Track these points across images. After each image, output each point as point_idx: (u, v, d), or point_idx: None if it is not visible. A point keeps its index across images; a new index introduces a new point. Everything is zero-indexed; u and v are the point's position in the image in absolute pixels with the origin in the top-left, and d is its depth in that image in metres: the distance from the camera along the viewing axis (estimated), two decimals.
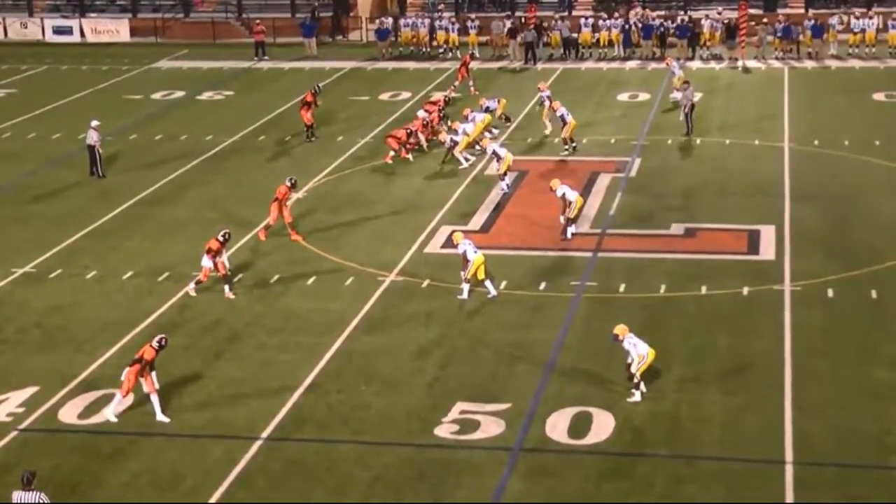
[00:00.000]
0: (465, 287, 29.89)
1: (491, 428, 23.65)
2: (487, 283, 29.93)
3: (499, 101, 45.93)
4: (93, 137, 41.36)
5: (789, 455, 22.37)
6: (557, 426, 23.62)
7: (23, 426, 24.43)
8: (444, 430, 23.64)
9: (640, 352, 24.53)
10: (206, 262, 30.48)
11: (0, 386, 26.12)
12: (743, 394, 24.70)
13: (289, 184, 34.39)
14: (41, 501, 19.39)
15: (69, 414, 24.88)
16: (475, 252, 29.88)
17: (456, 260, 31.39)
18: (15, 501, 19.43)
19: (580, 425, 23.63)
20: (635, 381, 24.53)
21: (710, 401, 24.48)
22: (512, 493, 21.43)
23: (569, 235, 33.69)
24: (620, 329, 24.83)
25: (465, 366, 26.48)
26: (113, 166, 42.65)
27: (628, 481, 21.68)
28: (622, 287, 30.47)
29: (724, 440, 22.99)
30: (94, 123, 41.80)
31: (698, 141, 43.73)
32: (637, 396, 24.47)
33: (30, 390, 25.87)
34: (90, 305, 30.49)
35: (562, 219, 33.82)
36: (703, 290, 30.17)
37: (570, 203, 33.60)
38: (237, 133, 46.89)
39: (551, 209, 34.54)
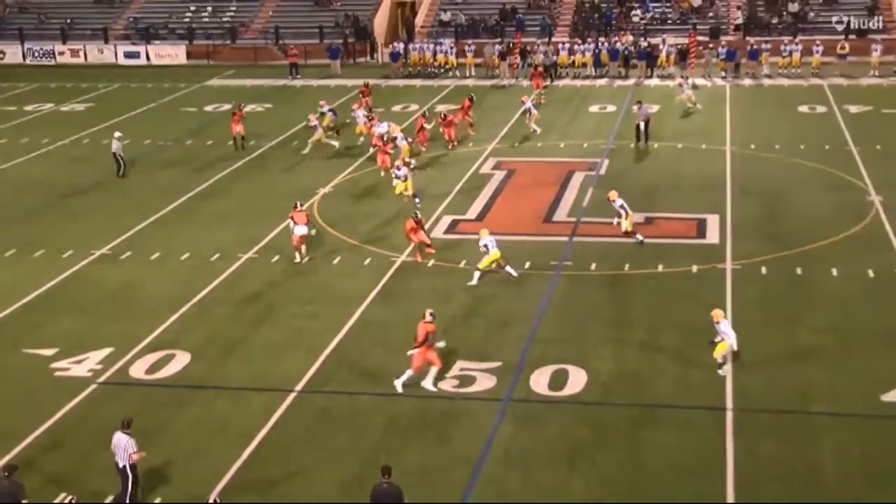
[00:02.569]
0: (476, 275, 29.52)
1: (485, 382, 23.65)
2: (508, 268, 29.43)
3: (390, 126, 42.93)
4: (115, 146, 41.47)
5: (730, 403, 22.37)
6: (540, 381, 23.61)
7: (101, 380, 24.47)
8: (447, 385, 23.63)
9: (721, 336, 23.47)
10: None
11: (81, 347, 26.15)
12: (692, 353, 24.67)
13: (413, 216, 31.55)
14: (130, 446, 19.21)
15: (138, 370, 24.90)
16: (495, 248, 29.50)
17: (455, 242, 31.47)
18: (114, 441, 19.24)
19: (558, 380, 23.62)
20: (718, 361, 23.52)
21: (665, 360, 24.46)
22: (503, 435, 21.45)
23: (639, 238, 32.05)
24: (716, 313, 23.71)
25: (463, 331, 26.45)
26: (172, 167, 42.57)
27: (599, 425, 21.69)
28: (593, 266, 30.42)
29: (677, 392, 22.98)
30: (117, 135, 42.07)
31: (656, 145, 43.62)
32: (724, 370, 23.44)
33: (106, 351, 25.88)
34: (154, 282, 30.44)
35: (624, 223, 31.77)
36: (660, 268, 30.13)
37: (627, 213, 31.90)
38: (275, 139, 46.75)
39: (534, 202, 34.45)
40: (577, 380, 23.58)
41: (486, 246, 29.39)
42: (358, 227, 34.46)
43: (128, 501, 19.04)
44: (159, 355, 25.61)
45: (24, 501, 17.95)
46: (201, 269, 31.23)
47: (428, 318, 23.51)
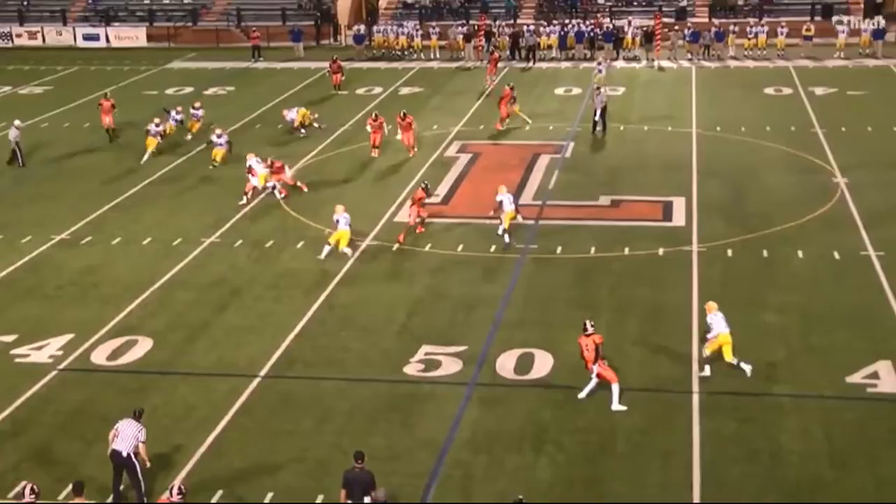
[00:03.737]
0: (505, 234, 30.75)
1: (451, 366, 23.72)
2: (506, 236, 30.62)
3: (298, 111, 44.03)
4: (13, 134, 40.54)
5: (695, 386, 22.53)
6: (505, 365, 23.70)
7: (62, 366, 24.38)
8: (412, 369, 23.69)
9: (715, 331, 22.79)
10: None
11: (42, 333, 26.05)
12: (658, 336, 24.84)
13: (423, 187, 32.21)
14: (143, 434, 19.09)
15: (100, 356, 24.83)
16: (511, 205, 30.60)
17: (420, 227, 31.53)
18: (120, 428, 18.98)
19: (524, 364, 23.72)
20: (704, 355, 22.90)
21: (631, 342, 24.60)
22: (469, 419, 21.53)
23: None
24: (709, 305, 23.30)
25: (429, 315, 26.52)
26: (134, 151, 42.28)
27: (565, 409, 21.79)
28: (559, 249, 30.54)
29: (643, 374, 23.12)
30: (17, 123, 41.14)
31: (622, 127, 43.73)
32: (706, 371, 22.77)
33: (67, 337, 25.79)
34: (115, 266, 30.32)
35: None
36: (626, 251, 30.27)
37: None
38: (238, 122, 46.56)
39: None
40: (543, 363, 23.68)
41: (501, 202, 30.63)
42: (321, 211, 34.37)
43: (144, 491, 18.85)
44: (121, 341, 25.52)
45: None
46: (164, 254, 31.12)
47: (589, 329, 21.88)
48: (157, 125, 41.39)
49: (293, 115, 43.97)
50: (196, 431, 21.32)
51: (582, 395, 22.08)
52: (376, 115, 40.63)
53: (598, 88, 44.24)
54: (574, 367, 23.27)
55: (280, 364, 24.18)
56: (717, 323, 22.91)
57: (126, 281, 29.17)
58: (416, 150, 39.90)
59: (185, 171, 39.37)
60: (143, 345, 25.26)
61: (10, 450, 20.87)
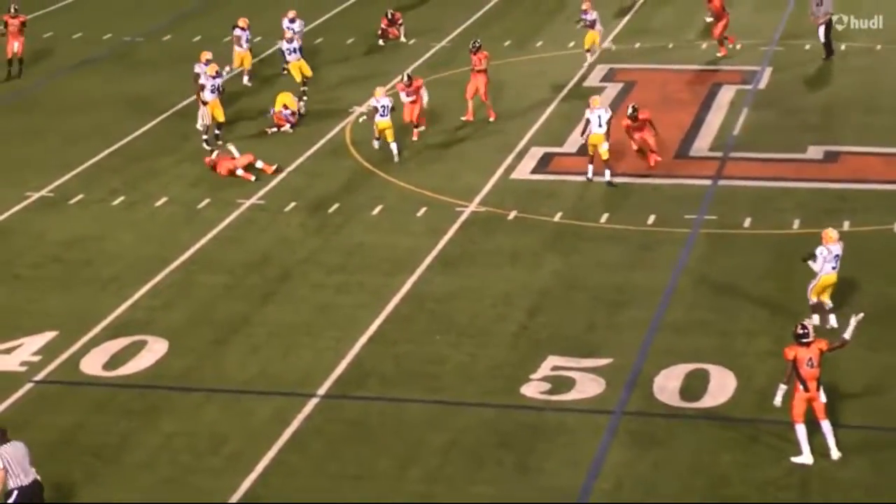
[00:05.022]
0: (590, 168, 32.21)
1: (588, 387, 23.65)
2: (607, 172, 31.95)
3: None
4: None
5: None
6: (667, 387, 23.55)
7: (39, 377, 24.70)
8: (533, 389, 23.67)
9: (818, 269, 24.88)
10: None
11: (12, 329, 26.44)
12: (892, 351, 24.53)
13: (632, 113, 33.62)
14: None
15: (93, 364, 25.12)
16: (600, 127, 31.75)
17: (546, 186, 31.48)
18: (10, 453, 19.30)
19: (694, 386, 23.54)
20: (810, 301, 25.05)
21: (851, 357, 24.22)
22: (612, 464, 21.42)
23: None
24: (826, 234, 25.13)
25: (558, 313, 26.48)
26: (143, 72, 42.81)
27: (751, 452, 21.56)
28: (747, 221, 30.29)
29: (870, 406, 22.80)
30: None
31: (843, 46, 43.14)
32: (815, 320, 24.76)
33: (47, 335, 26.16)
34: (117, 237, 30.80)
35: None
36: (846, 225, 29.90)
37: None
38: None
39: (663, 130, 34.29)
40: (721, 386, 23.46)
41: (587, 122, 32.36)
42: (409, 163, 34.48)
43: None
44: (123, 343, 25.83)
45: None
46: (184, 220, 31.52)
47: (811, 334, 21.34)
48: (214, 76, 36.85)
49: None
50: (226, 473, 21.49)
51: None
52: (409, 78, 36.77)
53: None
54: (764, 391, 23.02)
55: (347, 380, 24.32)
56: (825, 259, 24.69)
57: (130, 258, 29.58)
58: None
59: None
60: (154, 349, 25.57)
61: None
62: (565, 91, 39.73)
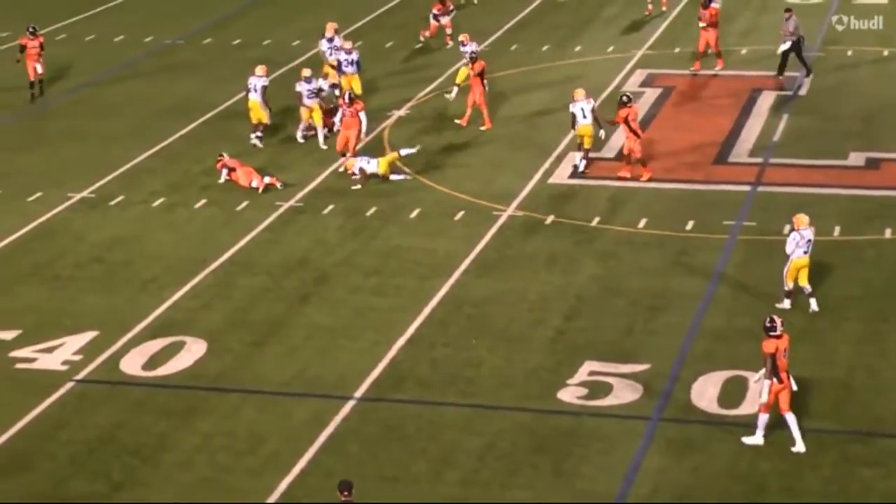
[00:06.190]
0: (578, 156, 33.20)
1: (625, 393, 23.65)
2: (581, 162, 33.11)
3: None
4: None
5: None
6: (706, 393, 23.53)
7: (80, 376, 24.88)
8: (570, 394, 23.67)
9: (788, 250, 26.16)
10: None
11: (54, 329, 26.64)
12: None
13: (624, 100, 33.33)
14: None
15: (132, 364, 25.30)
16: (584, 118, 33.26)
17: (584, 190, 31.46)
18: None
19: (733, 392, 23.49)
20: (786, 287, 26.33)
21: (891, 367, 24.20)
22: (649, 470, 21.40)
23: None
24: (798, 219, 26.29)
25: (595, 318, 26.48)
26: (184, 75, 43.00)
27: (789, 461, 21.51)
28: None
29: None
30: None
31: (885, 52, 42.96)
32: (785, 304, 26.29)
33: (88, 335, 26.36)
34: (157, 238, 30.97)
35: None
36: (888, 233, 29.82)
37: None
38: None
39: (701, 135, 34.26)
40: (761, 392, 23.40)
41: (573, 116, 33.32)
42: (445, 166, 34.53)
43: None
44: (162, 343, 26.01)
45: None
46: (223, 222, 31.67)
47: (779, 328, 21.77)
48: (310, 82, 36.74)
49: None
50: (264, 473, 21.60)
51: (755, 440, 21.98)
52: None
53: (789, 9, 41.61)
54: (802, 399, 22.95)
55: (384, 382, 24.39)
56: (797, 243, 25.91)
57: (170, 259, 29.74)
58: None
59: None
60: (193, 349, 25.71)
61: (7, 492, 21.36)
62: (604, 95, 39.67)
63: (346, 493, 18.45)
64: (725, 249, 29.30)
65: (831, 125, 36.76)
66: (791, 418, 21.57)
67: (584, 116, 33.25)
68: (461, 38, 39.38)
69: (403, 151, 33.98)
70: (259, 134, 36.22)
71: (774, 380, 21.50)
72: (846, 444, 21.81)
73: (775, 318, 21.78)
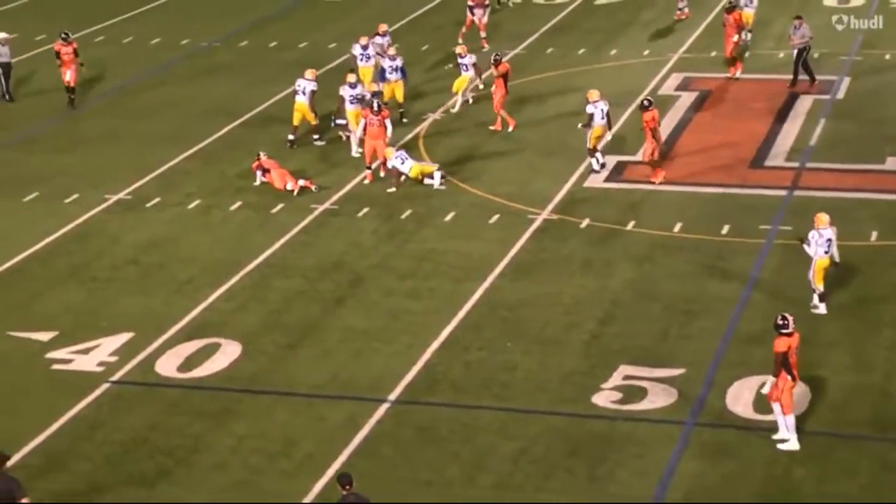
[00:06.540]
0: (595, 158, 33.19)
1: (660, 397, 23.60)
2: (596, 159, 33.39)
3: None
4: (4, 54, 41.22)
5: None
6: (741, 398, 23.46)
7: (115, 378, 24.98)
8: (605, 399, 23.64)
9: (811, 253, 26.08)
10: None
11: (90, 330, 26.76)
12: None
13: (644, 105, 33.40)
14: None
15: (167, 365, 25.38)
16: (602, 119, 33.60)
17: (620, 195, 31.38)
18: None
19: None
20: (816, 291, 26.31)
21: None
22: (683, 475, 21.37)
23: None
24: (818, 218, 26.24)
25: (630, 323, 26.43)
26: (220, 77, 43.11)
27: (824, 466, 21.45)
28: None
29: None
30: (3, 36, 41.35)
31: None
32: (821, 309, 26.24)
33: (123, 336, 26.45)
34: (192, 240, 31.07)
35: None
36: None
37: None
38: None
39: (737, 139, 34.16)
40: (796, 398, 23.28)
41: (591, 116, 33.50)
42: (481, 170, 34.52)
43: None
44: (198, 345, 26.09)
45: (23, 501, 18.54)
46: (258, 224, 31.71)
47: (791, 325, 21.87)
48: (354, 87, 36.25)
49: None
50: (298, 475, 21.64)
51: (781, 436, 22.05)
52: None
53: (799, 16, 41.33)
54: (839, 405, 22.90)
55: (418, 385, 24.40)
56: (817, 242, 25.97)
57: (205, 261, 29.82)
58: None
59: (289, 107, 39.84)
60: (228, 351, 25.78)
61: (43, 492, 21.36)
62: (639, 99, 39.54)
63: (347, 487, 18.45)
64: (761, 254, 29.21)
65: (869, 129, 36.64)
66: (778, 408, 21.81)
67: (602, 117, 33.52)
68: (458, 49, 39.70)
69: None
70: (316, 136, 36.40)
71: (788, 378, 21.57)
72: (885, 452, 21.72)
73: (787, 315, 21.79)
